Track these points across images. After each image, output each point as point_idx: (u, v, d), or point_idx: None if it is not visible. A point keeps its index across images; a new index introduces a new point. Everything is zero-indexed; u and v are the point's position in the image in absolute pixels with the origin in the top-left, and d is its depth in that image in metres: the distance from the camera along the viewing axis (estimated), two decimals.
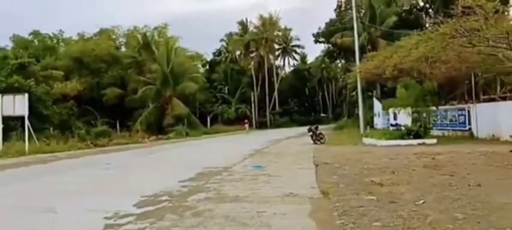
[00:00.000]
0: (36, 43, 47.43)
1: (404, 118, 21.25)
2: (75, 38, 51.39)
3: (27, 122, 22.25)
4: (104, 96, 45.09)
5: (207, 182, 9.68)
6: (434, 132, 21.63)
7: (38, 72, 33.23)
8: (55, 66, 39.58)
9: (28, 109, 22.23)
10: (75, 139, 28.96)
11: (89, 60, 45.40)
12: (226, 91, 62.42)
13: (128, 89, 46.97)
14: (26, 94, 22.71)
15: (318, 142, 22.22)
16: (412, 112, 21.06)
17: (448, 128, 22.96)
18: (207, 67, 68.93)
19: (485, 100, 21.99)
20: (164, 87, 45.34)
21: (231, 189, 8.63)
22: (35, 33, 47.58)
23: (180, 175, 10.81)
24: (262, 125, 60.32)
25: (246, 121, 52.41)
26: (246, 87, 63.31)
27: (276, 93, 65.96)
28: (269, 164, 13.17)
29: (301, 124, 54.79)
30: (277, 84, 66.68)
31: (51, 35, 49.95)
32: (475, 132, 20.72)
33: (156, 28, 55.09)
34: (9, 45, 44.62)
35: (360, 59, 30.70)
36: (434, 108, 22.32)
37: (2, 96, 22.07)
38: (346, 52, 47.14)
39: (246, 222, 5.77)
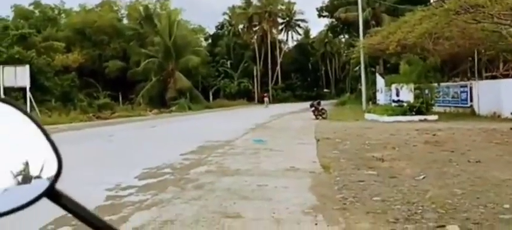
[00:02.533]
0: (37, 13, 46.97)
1: (407, 94, 21.25)
2: (76, 9, 51.00)
3: (29, 93, 22.29)
4: (106, 68, 45.00)
5: (209, 156, 9.75)
6: (436, 109, 21.60)
7: (39, 44, 33.08)
8: (56, 38, 39.36)
9: (29, 80, 22.23)
10: (78, 112, 29.05)
11: (90, 31, 45.13)
12: (228, 65, 61.87)
13: (130, 62, 46.79)
14: (27, 66, 22.70)
15: (320, 118, 22.23)
16: (415, 89, 21.02)
17: (450, 105, 22.89)
18: (210, 41, 68.22)
19: (487, 78, 21.88)
20: (166, 60, 45.07)
21: (233, 163, 8.69)
22: (36, 4, 47.07)
23: (182, 148, 10.88)
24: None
25: (265, 94, 51.89)
26: (249, 61, 62.78)
27: (278, 67, 65.52)
28: (271, 138, 13.22)
29: (303, 99, 54.56)
30: (280, 58, 66.13)
31: (53, 5, 49.52)
32: (476, 109, 20.67)
33: (158, 0, 54.60)
34: (10, 15, 44.32)
35: (364, 34, 30.30)
36: (436, 84, 22.24)
37: (3, 67, 22.10)
38: (349, 27, 46.61)
39: (247, 195, 5.83)
